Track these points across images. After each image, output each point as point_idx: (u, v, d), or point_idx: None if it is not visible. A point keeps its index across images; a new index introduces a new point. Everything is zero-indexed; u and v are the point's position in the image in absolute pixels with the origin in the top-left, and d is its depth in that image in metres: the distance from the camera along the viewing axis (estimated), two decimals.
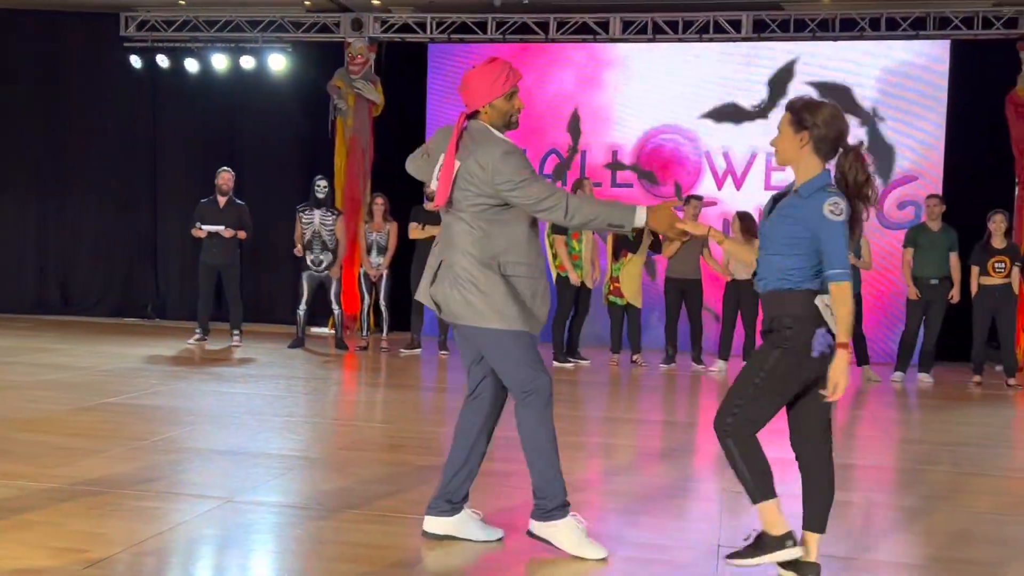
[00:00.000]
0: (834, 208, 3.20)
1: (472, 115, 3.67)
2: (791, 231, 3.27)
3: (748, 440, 3.34)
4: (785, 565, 3.37)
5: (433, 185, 3.67)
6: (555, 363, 9.46)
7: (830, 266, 3.20)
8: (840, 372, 3.23)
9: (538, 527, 3.67)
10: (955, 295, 9.13)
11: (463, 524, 3.75)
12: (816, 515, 3.42)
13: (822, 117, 3.29)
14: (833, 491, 3.45)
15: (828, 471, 3.45)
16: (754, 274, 3.47)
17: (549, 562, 3.56)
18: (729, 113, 11.24)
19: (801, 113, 3.31)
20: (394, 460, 5.08)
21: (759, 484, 3.33)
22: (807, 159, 3.35)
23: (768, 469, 3.36)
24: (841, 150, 3.36)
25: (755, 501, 3.35)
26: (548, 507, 3.63)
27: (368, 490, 4.41)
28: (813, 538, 3.42)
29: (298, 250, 9.97)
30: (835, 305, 3.21)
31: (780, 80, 11.12)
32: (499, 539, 3.76)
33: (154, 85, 12.65)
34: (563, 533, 3.62)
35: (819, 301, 3.25)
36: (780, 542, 3.33)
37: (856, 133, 10.90)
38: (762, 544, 3.34)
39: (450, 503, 3.75)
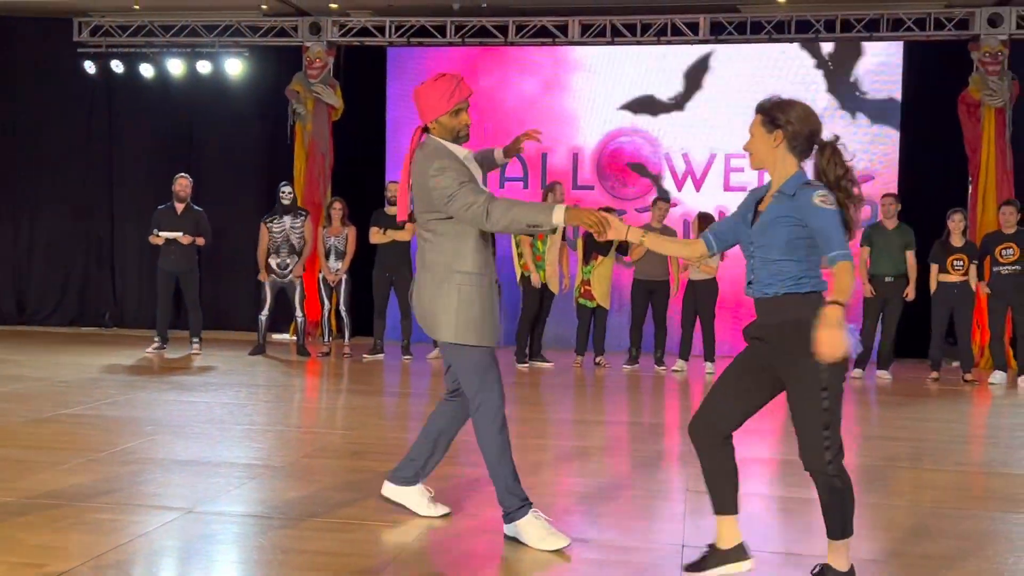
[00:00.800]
0: (825, 199, 3.16)
1: (425, 129, 3.82)
2: (790, 233, 3.22)
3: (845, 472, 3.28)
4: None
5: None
6: (516, 364, 9.48)
7: (831, 249, 3.11)
8: (829, 326, 2.99)
9: (507, 528, 3.82)
10: (910, 292, 9.27)
11: (415, 497, 4.08)
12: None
13: (795, 114, 3.28)
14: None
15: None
16: (748, 282, 3.44)
17: (516, 561, 3.56)
18: (682, 111, 11.33)
19: (772, 112, 3.30)
20: (357, 467, 5.05)
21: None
22: (783, 159, 3.33)
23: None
24: (817, 147, 3.33)
25: (847, 534, 3.30)
26: (508, 510, 3.78)
27: (331, 498, 4.39)
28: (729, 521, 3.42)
29: (263, 275, 9.89)
30: (839, 277, 3.10)
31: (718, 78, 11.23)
32: (443, 515, 4.08)
33: (109, 91, 12.49)
34: (527, 531, 3.73)
35: None
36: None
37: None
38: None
39: (407, 477, 4.07)
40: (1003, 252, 9.00)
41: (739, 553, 3.42)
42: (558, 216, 3.55)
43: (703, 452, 3.41)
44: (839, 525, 3.27)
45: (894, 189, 10.81)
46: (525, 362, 9.60)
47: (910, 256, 9.31)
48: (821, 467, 3.21)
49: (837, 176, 3.28)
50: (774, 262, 3.27)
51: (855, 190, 3.29)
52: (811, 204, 3.15)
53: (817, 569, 3.35)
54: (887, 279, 9.28)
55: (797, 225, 3.19)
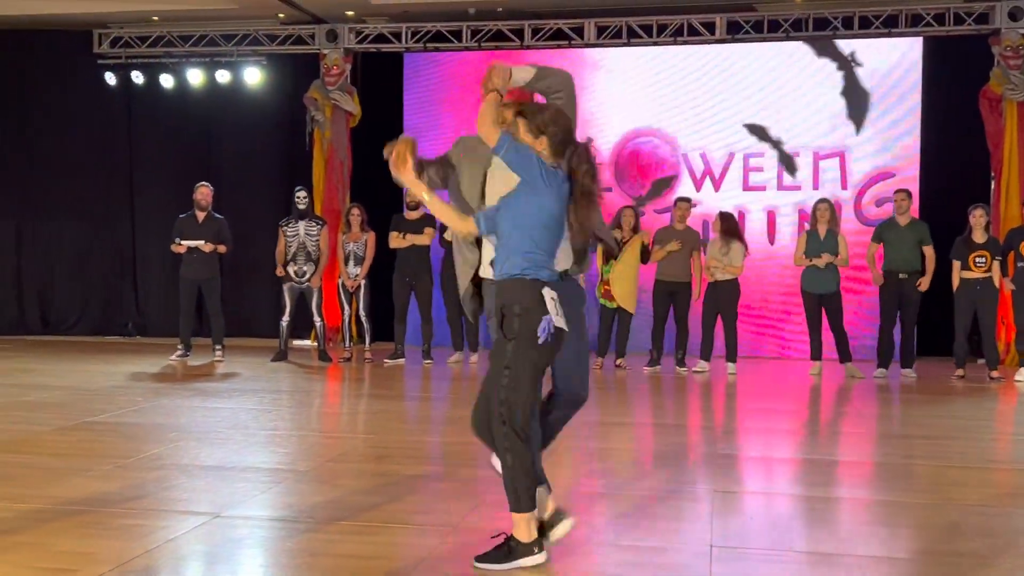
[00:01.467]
0: None
1: None
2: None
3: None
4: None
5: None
6: None
7: None
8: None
9: None
10: (923, 284, 9.19)
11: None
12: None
13: (548, 118, 3.51)
14: None
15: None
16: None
17: (544, 563, 3.55)
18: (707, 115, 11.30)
19: (533, 118, 3.50)
20: (381, 471, 5.05)
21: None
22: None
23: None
24: (570, 148, 3.52)
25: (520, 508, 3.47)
26: None
27: (356, 501, 4.39)
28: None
29: (279, 271, 9.93)
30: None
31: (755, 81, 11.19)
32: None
33: (129, 102, 12.58)
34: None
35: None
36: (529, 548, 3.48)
37: (839, 129, 10.99)
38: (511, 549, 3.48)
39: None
40: None
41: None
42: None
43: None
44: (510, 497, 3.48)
45: (915, 186, 10.75)
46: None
47: (927, 251, 9.24)
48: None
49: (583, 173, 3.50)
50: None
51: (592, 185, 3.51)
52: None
53: (498, 534, 3.54)
54: (900, 276, 9.22)
55: None
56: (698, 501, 4.53)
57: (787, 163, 11.13)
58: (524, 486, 3.45)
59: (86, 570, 3.39)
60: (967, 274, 9.05)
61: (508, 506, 3.48)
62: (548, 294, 3.42)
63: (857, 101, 10.97)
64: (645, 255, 9.46)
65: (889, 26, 10.82)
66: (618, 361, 9.72)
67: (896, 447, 5.92)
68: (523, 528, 3.48)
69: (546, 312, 3.39)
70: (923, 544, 3.92)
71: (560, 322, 3.43)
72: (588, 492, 4.73)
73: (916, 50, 10.84)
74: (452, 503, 4.41)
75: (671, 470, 5.20)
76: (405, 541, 3.85)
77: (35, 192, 12.69)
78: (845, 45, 10.99)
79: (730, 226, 9.50)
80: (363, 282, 9.98)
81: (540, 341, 3.39)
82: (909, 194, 9.45)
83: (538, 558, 3.48)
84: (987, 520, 4.21)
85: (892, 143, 10.88)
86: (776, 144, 11.15)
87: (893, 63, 10.89)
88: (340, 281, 10.12)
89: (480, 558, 3.49)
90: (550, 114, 3.51)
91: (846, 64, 10.99)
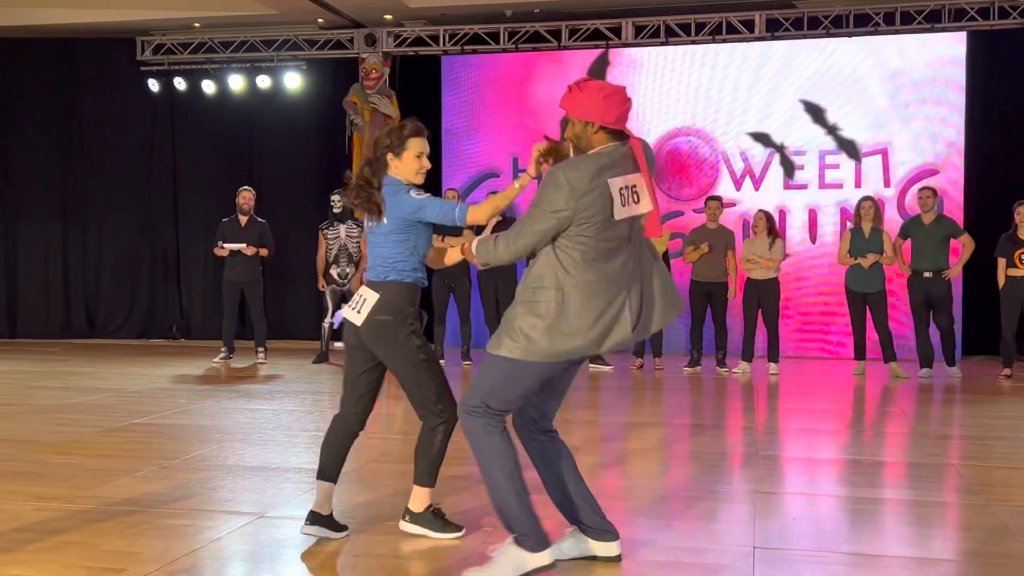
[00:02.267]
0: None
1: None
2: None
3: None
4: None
5: (647, 208, 3.33)
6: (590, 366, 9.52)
7: None
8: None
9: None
10: (947, 274, 9.06)
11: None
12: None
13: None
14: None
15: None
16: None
17: (582, 565, 3.55)
18: (747, 114, 11.22)
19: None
20: None
21: None
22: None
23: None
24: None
25: None
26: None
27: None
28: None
29: (321, 284, 10.02)
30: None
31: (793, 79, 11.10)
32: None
33: (172, 107, 12.76)
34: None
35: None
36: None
37: (882, 126, 10.86)
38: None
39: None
40: None
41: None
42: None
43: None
44: None
45: (960, 183, 10.60)
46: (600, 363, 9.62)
47: (962, 240, 9.10)
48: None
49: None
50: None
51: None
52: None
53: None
54: (926, 275, 9.09)
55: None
56: (739, 502, 4.50)
57: (787, 166, 11.06)
58: None
59: (133, 569, 3.45)
60: (1013, 272, 8.91)
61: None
62: None
63: (902, 97, 10.82)
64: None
65: (932, 21, 10.68)
66: (656, 362, 9.68)
67: (940, 447, 5.84)
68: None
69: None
70: (969, 545, 3.87)
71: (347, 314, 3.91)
72: (627, 493, 4.72)
73: (960, 45, 10.68)
74: None
75: (711, 471, 5.17)
76: (447, 542, 3.86)
77: (81, 197, 12.91)
78: (885, 41, 10.86)
79: (773, 224, 9.46)
80: None
81: None
82: (934, 192, 9.31)
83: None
84: None
85: (936, 140, 10.73)
86: (780, 148, 11.07)
87: (936, 59, 10.73)
88: None
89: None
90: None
91: (887, 60, 10.84)
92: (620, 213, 3.25)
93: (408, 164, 3.89)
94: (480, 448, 3.37)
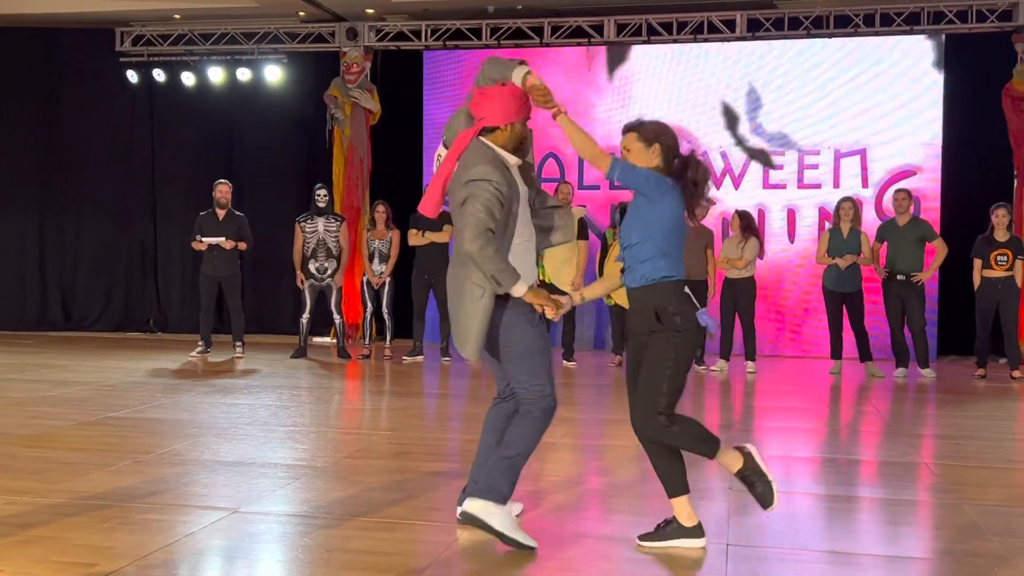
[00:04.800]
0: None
1: (488, 131, 3.78)
2: None
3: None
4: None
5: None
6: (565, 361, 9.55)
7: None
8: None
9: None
10: (918, 277, 9.12)
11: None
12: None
13: (659, 128, 3.75)
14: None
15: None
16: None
17: (559, 559, 3.56)
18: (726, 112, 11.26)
19: (644, 131, 3.73)
20: (400, 467, 5.08)
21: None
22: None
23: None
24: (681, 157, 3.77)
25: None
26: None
27: (375, 498, 4.41)
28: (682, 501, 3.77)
29: (299, 278, 9.97)
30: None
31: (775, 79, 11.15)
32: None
33: (151, 99, 12.68)
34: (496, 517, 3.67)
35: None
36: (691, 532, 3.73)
37: (860, 127, 10.92)
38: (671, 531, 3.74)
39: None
40: None
41: (697, 531, 3.73)
42: (518, 290, 3.64)
43: (646, 445, 3.81)
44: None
45: (937, 184, 10.67)
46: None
47: (935, 245, 9.18)
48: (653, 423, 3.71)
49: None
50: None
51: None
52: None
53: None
54: (899, 276, 9.16)
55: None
56: (714, 500, 4.52)
57: (763, 159, 11.10)
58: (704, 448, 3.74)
59: (105, 564, 3.43)
60: (988, 273, 8.99)
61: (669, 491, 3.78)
62: (687, 291, 3.72)
63: (879, 98, 10.89)
64: (583, 230, 9.32)
65: (911, 23, 10.75)
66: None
67: (914, 446, 5.89)
68: (683, 512, 3.75)
69: (696, 307, 3.69)
70: (941, 544, 3.90)
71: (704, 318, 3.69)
72: (601, 490, 4.73)
73: (938, 47, 10.76)
74: None
75: (687, 468, 5.18)
76: (422, 538, 3.86)
77: (58, 189, 12.81)
78: (865, 42, 10.92)
79: (748, 223, 9.49)
80: (388, 279, 10.01)
81: (712, 330, 3.77)
82: (909, 194, 9.39)
83: (698, 542, 3.71)
84: (1007, 520, 4.18)
85: (914, 141, 10.80)
86: (741, 141, 11.13)
87: (915, 61, 10.80)
88: (364, 278, 10.15)
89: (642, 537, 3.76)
90: (659, 125, 3.74)
91: (865, 61, 10.90)
92: None
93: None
94: None
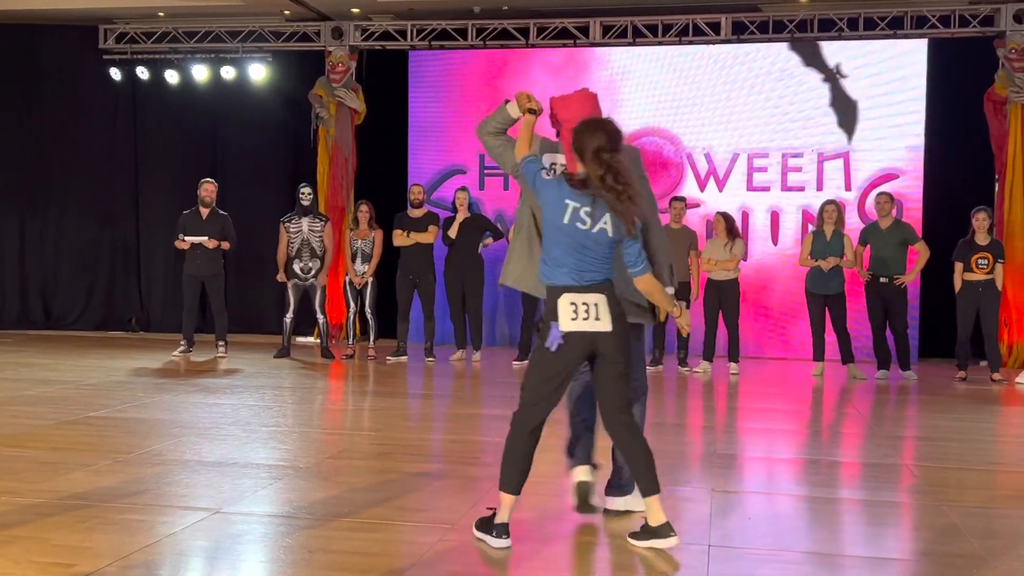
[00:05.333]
0: None
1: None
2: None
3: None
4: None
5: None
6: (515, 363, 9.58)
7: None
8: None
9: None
10: (900, 279, 9.18)
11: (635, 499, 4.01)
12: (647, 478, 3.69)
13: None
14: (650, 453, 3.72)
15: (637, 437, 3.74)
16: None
17: (540, 559, 3.56)
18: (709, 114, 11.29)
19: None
20: (383, 468, 5.06)
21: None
22: None
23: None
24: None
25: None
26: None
27: (358, 498, 4.40)
28: (654, 500, 3.69)
29: (281, 276, 9.94)
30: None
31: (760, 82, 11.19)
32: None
33: (134, 97, 12.61)
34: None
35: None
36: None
37: (843, 130, 10.98)
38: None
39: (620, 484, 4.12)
40: None
41: (667, 529, 3.66)
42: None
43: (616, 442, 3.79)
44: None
45: (919, 187, 10.74)
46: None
47: (917, 248, 9.24)
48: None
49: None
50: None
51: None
52: None
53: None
54: (882, 279, 9.22)
55: None
56: (697, 501, 4.53)
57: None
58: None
59: (85, 564, 3.41)
60: (969, 276, 9.05)
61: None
62: (567, 299, 3.55)
63: (863, 102, 10.95)
64: None
65: (894, 27, 10.82)
66: None
67: (895, 448, 5.92)
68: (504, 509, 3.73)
69: (555, 319, 3.55)
70: (922, 545, 3.92)
71: (575, 326, 3.53)
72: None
73: (921, 52, 10.82)
74: (452, 500, 4.42)
75: (670, 469, 5.20)
76: (405, 538, 3.85)
77: (40, 186, 12.72)
78: (844, 47, 10.97)
79: (732, 225, 9.54)
80: (370, 279, 9.99)
81: (552, 349, 3.56)
82: (891, 197, 9.44)
83: (499, 542, 3.68)
84: (986, 522, 4.21)
85: (896, 145, 10.86)
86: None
87: (898, 65, 10.87)
88: (347, 278, 10.12)
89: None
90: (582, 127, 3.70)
91: (849, 65, 10.97)
92: None
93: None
94: None
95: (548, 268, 3.61)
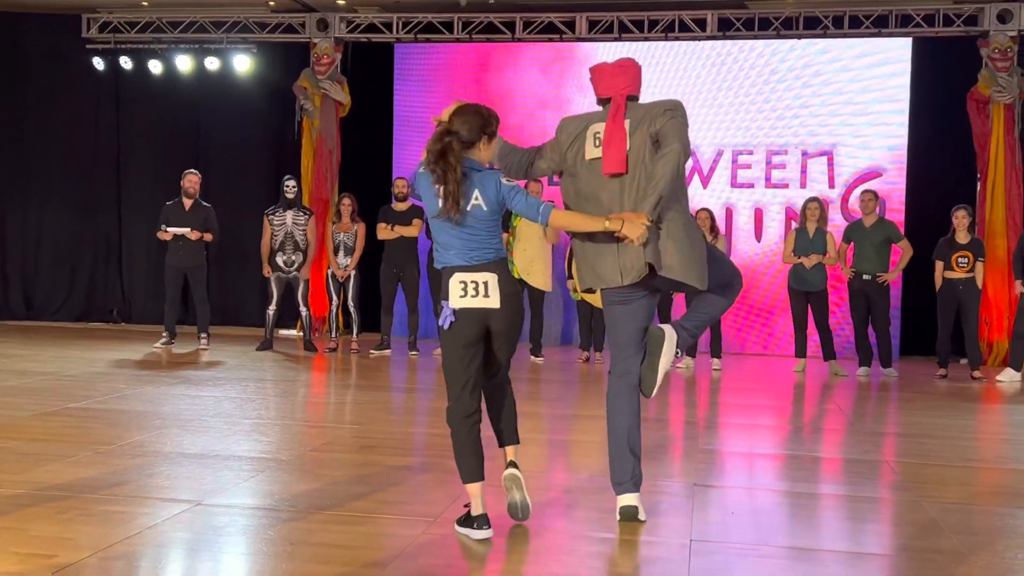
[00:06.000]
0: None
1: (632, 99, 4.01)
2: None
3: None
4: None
5: (596, 154, 3.82)
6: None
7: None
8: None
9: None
10: (883, 277, 9.23)
11: None
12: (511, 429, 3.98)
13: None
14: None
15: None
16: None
17: (522, 553, 3.56)
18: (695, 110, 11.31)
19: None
20: (366, 461, 5.06)
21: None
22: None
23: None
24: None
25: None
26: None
27: (340, 491, 4.39)
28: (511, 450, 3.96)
29: (266, 270, 9.91)
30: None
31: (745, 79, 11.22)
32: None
33: (117, 87, 12.52)
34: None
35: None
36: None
37: (828, 128, 11.02)
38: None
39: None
40: None
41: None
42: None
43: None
44: None
45: (902, 185, 10.80)
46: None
47: (901, 246, 9.29)
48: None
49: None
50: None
51: None
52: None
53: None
54: (865, 277, 9.27)
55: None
56: (678, 496, 4.55)
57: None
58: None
59: (65, 555, 3.39)
60: (950, 274, 9.11)
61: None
62: (457, 279, 3.72)
63: (847, 100, 10.99)
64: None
65: (879, 26, 10.87)
66: (598, 356, 9.73)
67: (876, 444, 5.96)
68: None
69: (446, 298, 3.74)
70: (901, 540, 3.95)
71: (465, 303, 3.69)
72: (566, 485, 4.74)
73: (905, 50, 10.88)
74: (434, 494, 4.42)
75: (651, 464, 5.22)
76: (387, 531, 3.85)
77: (21, 176, 12.62)
78: (834, 44, 11.01)
79: (714, 222, 9.58)
80: (353, 272, 9.97)
81: (445, 327, 3.74)
82: (875, 195, 9.49)
83: (480, 533, 3.71)
84: (965, 518, 4.24)
85: (880, 143, 10.92)
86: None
87: (882, 63, 10.92)
88: (329, 271, 10.10)
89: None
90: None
91: (834, 63, 10.99)
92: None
93: (493, 151, 3.89)
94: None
95: (439, 253, 3.78)
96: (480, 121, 3.73)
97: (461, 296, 3.68)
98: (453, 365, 3.76)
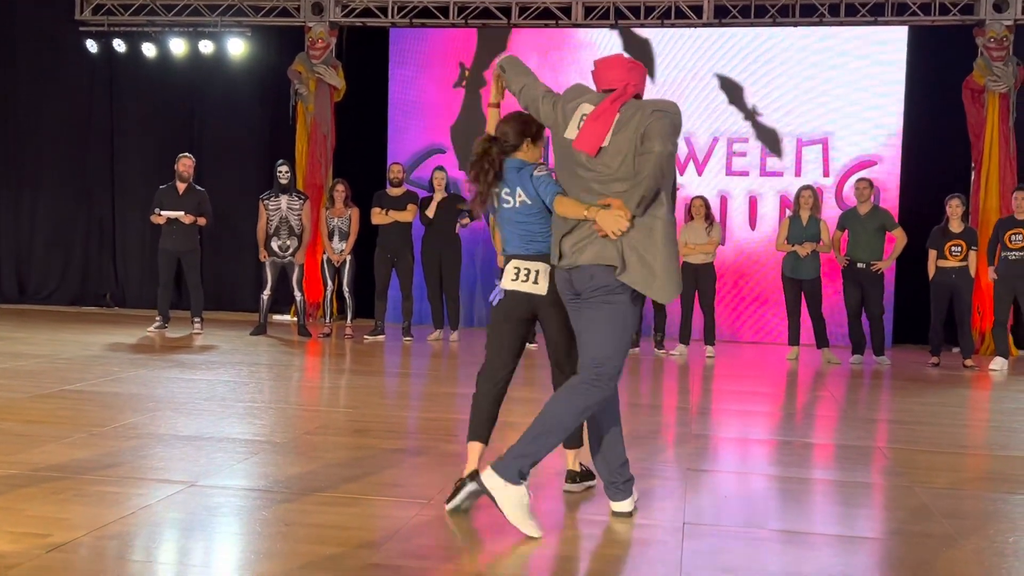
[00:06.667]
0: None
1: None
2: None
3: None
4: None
5: (573, 135, 3.74)
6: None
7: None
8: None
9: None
10: (877, 265, 9.25)
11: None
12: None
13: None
14: None
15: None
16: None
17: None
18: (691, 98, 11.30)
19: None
20: (359, 444, 5.07)
21: None
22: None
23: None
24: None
25: None
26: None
27: (334, 473, 4.40)
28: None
29: (262, 254, 9.89)
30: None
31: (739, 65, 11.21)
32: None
33: (111, 70, 12.47)
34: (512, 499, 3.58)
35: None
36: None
37: (823, 116, 11.03)
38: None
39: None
40: (1012, 238, 8.94)
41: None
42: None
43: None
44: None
45: (897, 174, 10.82)
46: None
47: (895, 234, 9.31)
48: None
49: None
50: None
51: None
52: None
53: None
54: (859, 265, 9.30)
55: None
56: (671, 480, 4.57)
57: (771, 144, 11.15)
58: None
59: (60, 534, 3.39)
60: (943, 263, 9.14)
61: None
62: (512, 265, 4.03)
63: (842, 88, 10.99)
64: None
65: (875, 14, 10.87)
66: None
67: (868, 431, 5.99)
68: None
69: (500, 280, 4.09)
70: (892, 524, 3.97)
71: (514, 286, 3.99)
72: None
73: (901, 39, 10.88)
74: (428, 476, 4.43)
75: (645, 449, 5.24)
76: (380, 513, 3.86)
77: (14, 159, 12.58)
78: (830, 32, 11.01)
79: (709, 210, 9.60)
80: (348, 257, 9.96)
81: (494, 303, 4.09)
82: (870, 183, 9.51)
83: (471, 485, 3.75)
84: (955, 503, 4.27)
85: (875, 131, 10.93)
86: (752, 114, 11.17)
87: (878, 51, 10.92)
88: (324, 256, 10.09)
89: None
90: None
91: (829, 51, 10.99)
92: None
93: (539, 151, 4.12)
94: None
95: (504, 243, 4.12)
96: (519, 127, 4.04)
97: (513, 280, 4.01)
98: (492, 336, 4.09)
